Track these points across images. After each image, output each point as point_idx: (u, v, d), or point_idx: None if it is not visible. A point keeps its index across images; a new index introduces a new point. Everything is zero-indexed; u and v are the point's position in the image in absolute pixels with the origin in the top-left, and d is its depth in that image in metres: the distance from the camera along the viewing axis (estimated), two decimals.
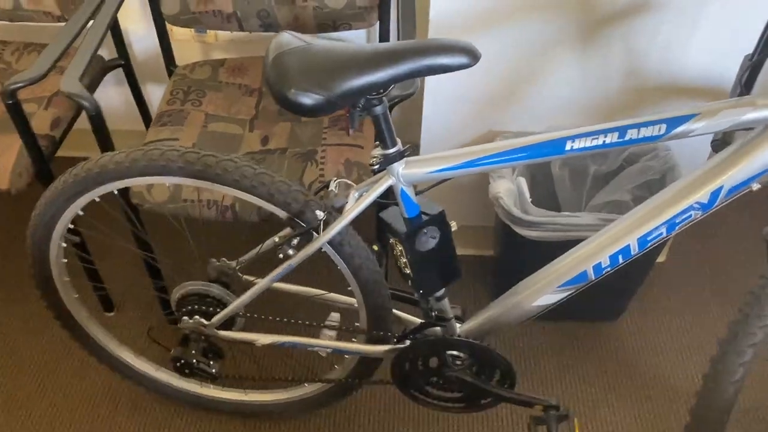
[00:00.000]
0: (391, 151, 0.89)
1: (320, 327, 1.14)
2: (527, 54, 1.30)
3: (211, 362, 1.17)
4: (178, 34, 1.61)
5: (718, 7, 1.19)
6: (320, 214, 0.97)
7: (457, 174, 0.90)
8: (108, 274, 1.51)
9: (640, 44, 1.27)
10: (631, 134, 0.84)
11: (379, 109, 0.86)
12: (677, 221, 0.89)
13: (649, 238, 0.92)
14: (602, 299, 1.49)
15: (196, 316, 1.12)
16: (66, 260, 1.16)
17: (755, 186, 0.85)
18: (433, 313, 1.08)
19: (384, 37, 1.44)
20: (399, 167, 0.91)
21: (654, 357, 1.49)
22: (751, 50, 1.04)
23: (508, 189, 1.31)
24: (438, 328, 1.11)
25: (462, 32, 1.27)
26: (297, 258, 0.99)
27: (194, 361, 1.14)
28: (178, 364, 1.16)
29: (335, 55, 0.82)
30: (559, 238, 1.28)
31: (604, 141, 0.84)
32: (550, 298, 1.02)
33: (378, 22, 1.42)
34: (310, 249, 0.98)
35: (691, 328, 1.55)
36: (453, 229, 1.00)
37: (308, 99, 0.79)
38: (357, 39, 1.62)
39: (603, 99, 1.37)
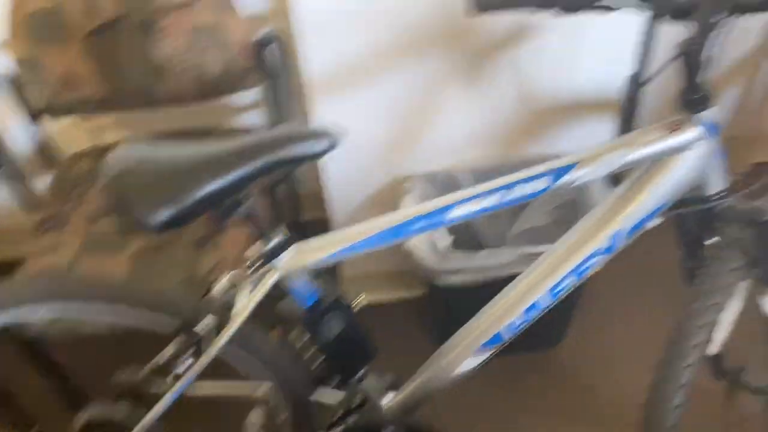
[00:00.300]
0: (270, 247, 0.82)
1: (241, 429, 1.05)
2: (418, 95, 1.25)
3: None
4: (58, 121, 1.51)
5: (596, 29, 1.15)
6: (208, 321, 0.89)
7: (347, 256, 0.84)
8: (23, 396, 1.39)
9: (528, 69, 1.23)
10: (516, 192, 0.79)
11: (244, 209, 0.79)
12: (582, 269, 0.85)
13: (557, 290, 0.87)
14: (539, 328, 1.44)
15: None
16: None
17: (654, 222, 0.81)
18: (358, 397, 1.01)
19: (272, 95, 1.37)
20: (283, 259, 0.83)
21: (605, 376, 1.44)
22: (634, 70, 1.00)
23: (422, 237, 1.26)
24: (366, 409, 1.04)
25: (345, 85, 1.21)
26: (193, 371, 0.90)
27: None
28: None
29: (182, 162, 0.74)
30: (484, 279, 1.23)
31: (488, 204, 0.79)
32: (472, 361, 0.96)
33: (266, 79, 1.35)
34: (204, 360, 0.89)
35: (639, 335, 1.50)
36: (363, 303, 0.94)
37: (158, 217, 0.72)
38: (252, 96, 1.54)
39: (503, 126, 1.32)
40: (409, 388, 1.02)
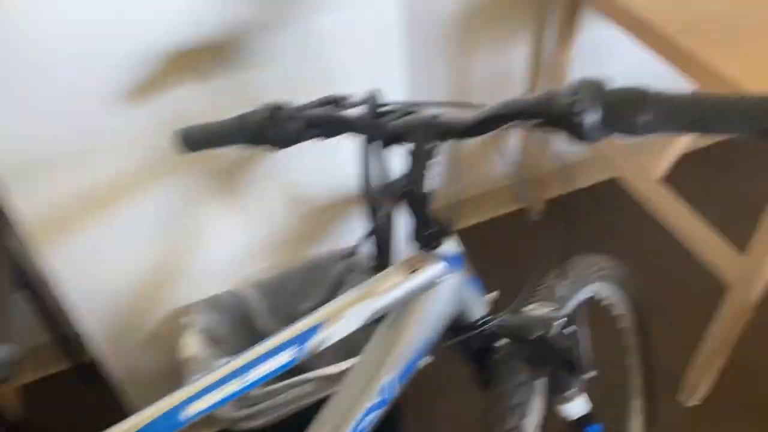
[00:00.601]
0: None
1: None
2: (172, 222, 1.09)
3: None
4: None
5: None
6: None
7: None
8: None
9: (288, 174, 1.13)
10: (264, 369, 0.65)
11: None
12: (361, 428, 0.73)
13: None
14: None
15: None
16: None
17: (425, 360, 0.72)
18: None
19: None
20: None
21: None
22: None
23: None
24: None
25: (77, 227, 1.02)
26: None
27: None
28: None
29: None
30: (290, 412, 1.09)
31: (228, 392, 0.65)
32: None
33: None
34: None
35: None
36: None
37: None
38: None
39: (280, 233, 1.20)
40: None
